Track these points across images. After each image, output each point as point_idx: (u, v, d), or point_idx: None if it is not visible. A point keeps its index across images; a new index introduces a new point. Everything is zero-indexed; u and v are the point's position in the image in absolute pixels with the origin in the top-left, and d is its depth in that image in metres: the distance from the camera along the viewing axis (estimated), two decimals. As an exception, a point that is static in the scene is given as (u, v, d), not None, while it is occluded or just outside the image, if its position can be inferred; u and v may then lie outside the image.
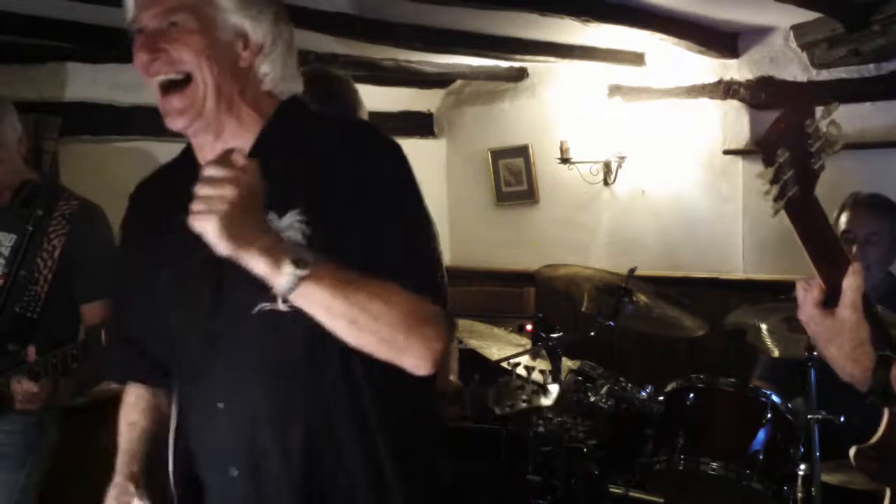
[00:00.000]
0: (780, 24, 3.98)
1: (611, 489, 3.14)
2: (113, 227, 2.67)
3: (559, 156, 4.64)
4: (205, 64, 1.41)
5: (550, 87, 4.91)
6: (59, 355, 2.31)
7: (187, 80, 1.42)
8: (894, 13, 3.46)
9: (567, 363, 3.07)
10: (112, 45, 3.46)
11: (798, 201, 1.21)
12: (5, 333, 2.39)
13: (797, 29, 3.93)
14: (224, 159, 1.26)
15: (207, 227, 1.22)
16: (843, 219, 3.04)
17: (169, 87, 1.43)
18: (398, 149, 1.47)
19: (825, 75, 3.92)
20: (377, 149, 1.46)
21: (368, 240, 1.37)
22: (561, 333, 3.06)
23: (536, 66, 4.82)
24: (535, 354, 3.08)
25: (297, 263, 1.25)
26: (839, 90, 3.89)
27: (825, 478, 2.46)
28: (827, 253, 1.25)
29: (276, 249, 1.26)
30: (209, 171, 1.24)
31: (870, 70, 3.79)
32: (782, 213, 1.30)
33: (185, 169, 1.46)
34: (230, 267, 1.29)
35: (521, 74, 4.97)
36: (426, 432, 1.54)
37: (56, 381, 2.32)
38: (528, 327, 3.85)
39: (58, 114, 3.50)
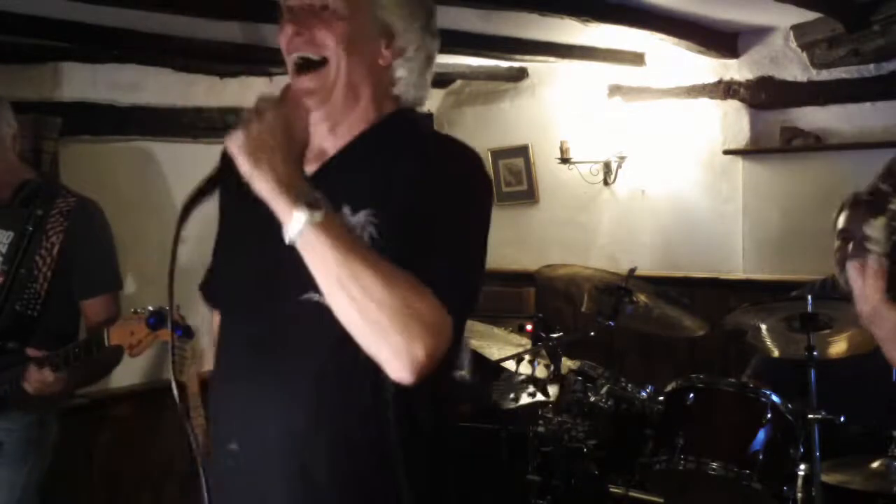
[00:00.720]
0: (780, 24, 3.98)
1: (611, 489, 3.14)
2: (113, 225, 2.68)
3: (559, 156, 4.63)
4: (344, 52, 1.41)
5: (550, 87, 4.91)
6: (60, 353, 2.31)
7: (322, 62, 1.41)
8: (894, 13, 3.46)
9: (567, 363, 3.07)
10: (112, 45, 3.46)
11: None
12: (5, 331, 2.40)
13: (797, 29, 3.93)
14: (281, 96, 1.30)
15: (236, 139, 1.26)
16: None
17: (302, 67, 1.42)
18: (483, 178, 1.47)
19: (825, 75, 3.93)
20: (461, 169, 1.45)
21: (415, 240, 1.34)
22: (561, 333, 3.07)
23: (536, 66, 4.82)
24: (535, 354, 3.09)
25: (311, 206, 1.24)
26: (839, 90, 3.89)
27: (825, 478, 2.46)
28: None
29: (297, 188, 1.25)
30: (259, 102, 1.29)
31: (870, 70, 3.79)
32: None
33: None
34: (284, 251, 1.27)
35: (521, 74, 4.97)
36: (442, 454, 1.51)
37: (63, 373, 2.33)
38: (528, 327, 3.86)
39: (58, 114, 3.50)
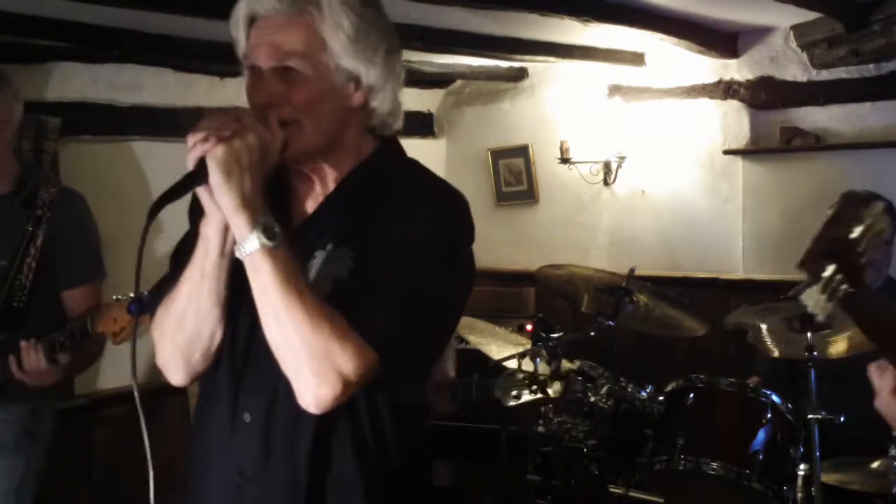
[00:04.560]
0: (780, 24, 3.98)
1: (611, 489, 3.14)
2: (112, 225, 2.68)
3: (559, 156, 4.63)
4: (316, 110, 1.41)
5: (550, 87, 4.91)
6: (45, 342, 2.32)
7: (294, 123, 1.41)
8: (894, 13, 3.46)
9: (567, 363, 3.07)
10: (112, 45, 3.46)
11: (850, 296, 1.22)
12: None
13: (797, 29, 3.93)
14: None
15: (216, 150, 1.28)
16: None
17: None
18: (463, 224, 1.49)
19: (825, 75, 3.93)
20: (441, 216, 1.47)
21: (377, 280, 1.37)
22: (561, 333, 3.06)
23: (536, 66, 4.82)
24: (535, 354, 3.08)
25: (267, 233, 1.30)
26: (839, 90, 3.89)
27: (825, 478, 2.46)
28: (893, 337, 1.25)
29: (257, 209, 1.30)
30: (244, 116, 1.32)
31: (870, 70, 3.79)
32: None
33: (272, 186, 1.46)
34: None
35: (521, 74, 4.97)
36: (411, 490, 1.52)
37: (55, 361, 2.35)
38: (528, 327, 3.86)
39: (58, 114, 3.50)
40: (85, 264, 2.57)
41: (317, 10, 1.38)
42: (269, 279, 1.30)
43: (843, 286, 1.21)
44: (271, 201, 1.37)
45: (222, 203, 1.31)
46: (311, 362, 1.31)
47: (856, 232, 1.26)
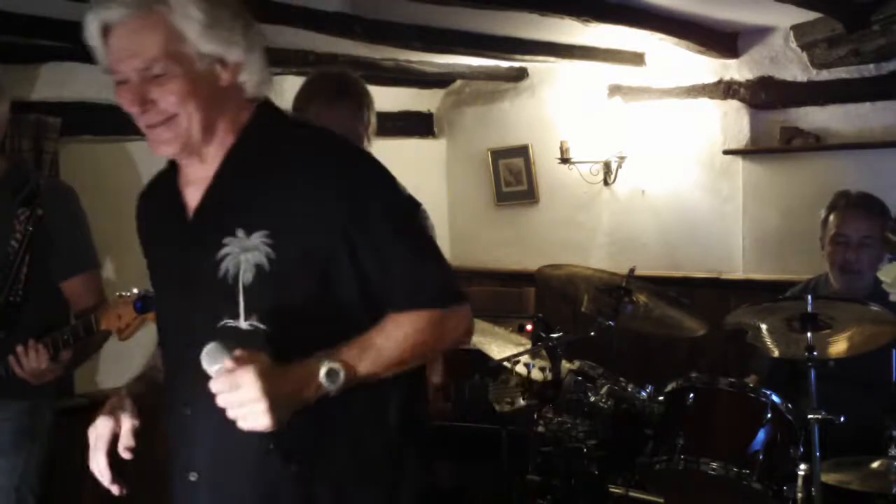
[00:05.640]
0: (780, 24, 3.98)
1: (611, 489, 3.14)
2: (112, 225, 2.68)
3: (559, 156, 4.63)
4: (190, 102, 1.43)
5: (550, 87, 4.91)
6: (48, 340, 2.32)
7: (171, 118, 1.44)
8: (894, 13, 3.46)
9: (567, 363, 3.07)
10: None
11: None
12: None
13: (797, 29, 3.93)
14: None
15: (262, 423, 1.29)
16: (835, 220, 3.03)
17: (154, 123, 1.46)
18: (371, 157, 1.54)
19: (825, 75, 3.92)
20: (355, 163, 1.49)
21: (374, 262, 1.43)
22: (561, 333, 3.06)
23: (536, 66, 4.82)
24: (534, 354, 3.08)
25: (330, 376, 1.34)
26: (839, 90, 3.89)
27: (825, 478, 2.46)
28: None
29: (311, 386, 1.34)
30: (219, 384, 1.29)
31: (870, 70, 3.79)
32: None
33: (173, 182, 1.56)
34: (201, 278, 1.41)
35: (521, 74, 4.97)
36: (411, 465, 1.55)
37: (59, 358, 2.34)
38: (528, 327, 3.85)
39: (58, 114, 3.50)
40: (78, 253, 2.57)
41: (164, 5, 1.40)
42: (366, 376, 1.39)
43: None
44: (165, 197, 1.47)
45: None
46: (437, 352, 1.62)
47: None
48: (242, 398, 1.26)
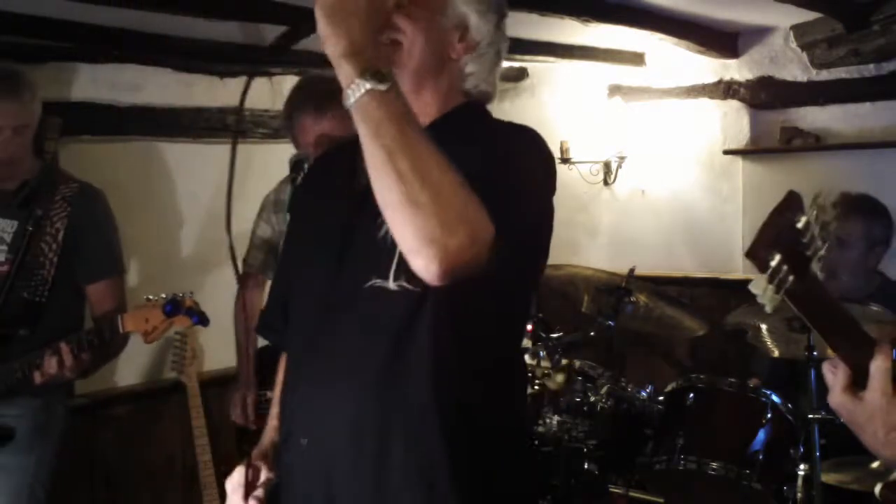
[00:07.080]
0: (780, 24, 3.98)
1: (611, 489, 3.14)
2: (119, 224, 2.69)
3: (559, 156, 4.63)
4: (419, 39, 1.41)
5: (550, 87, 4.91)
6: (73, 340, 2.33)
7: (394, 44, 1.41)
8: (894, 13, 3.46)
9: (567, 363, 3.07)
10: (112, 45, 3.46)
11: (797, 290, 1.18)
12: (15, 319, 2.42)
13: (797, 29, 3.93)
14: None
15: None
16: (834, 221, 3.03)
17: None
18: (542, 151, 1.55)
19: (825, 75, 3.93)
20: (519, 143, 1.48)
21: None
22: (561, 333, 3.06)
23: (536, 66, 4.81)
24: (534, 354, 3.09)
25: (377, 77, 1.20)
26: (839, 90, 3.89)
27: (825, 478, 2.46)
28: (843, 333, 1.21)
29: (366, 57, 1.22)
30: None
31: (870, 70, 3.79)
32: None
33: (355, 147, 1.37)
34: (358, 240, 1.36)
35: (520, 74, 4.96)
36: (507, 451, 1.50)
37: (80, 360, 2.35)
38: (528, 327, 3.85)
39: (58, 114, 3.49)
40: (104, 259, 2.60)
41: None
42: (382, 124, 1.19)
43: (790, 277, 1.18)
44: (340, 172, 1.40)
45: (329, 53, 1.23)
46: (437, 204, 1.17)
47: (801, 222, 1.23)
48: None
